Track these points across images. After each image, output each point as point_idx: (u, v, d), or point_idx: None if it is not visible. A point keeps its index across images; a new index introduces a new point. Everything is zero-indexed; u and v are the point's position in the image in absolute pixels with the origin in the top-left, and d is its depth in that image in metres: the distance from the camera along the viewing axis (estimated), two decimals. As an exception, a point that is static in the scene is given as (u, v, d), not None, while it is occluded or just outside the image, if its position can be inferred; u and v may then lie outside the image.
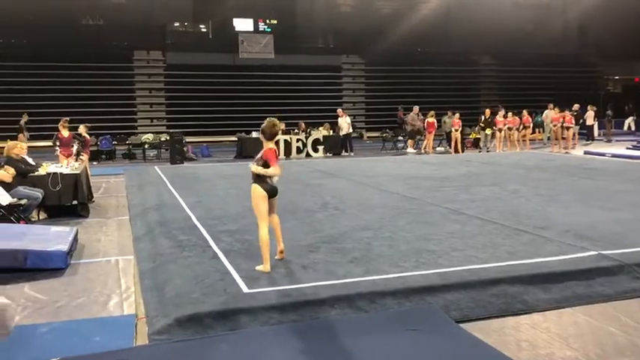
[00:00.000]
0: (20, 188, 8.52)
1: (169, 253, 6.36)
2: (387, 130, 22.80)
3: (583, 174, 12.77)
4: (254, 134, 17.91)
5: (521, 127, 20.87)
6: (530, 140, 21.61)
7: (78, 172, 9.52)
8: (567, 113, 19.54)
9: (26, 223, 8.07)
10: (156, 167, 15.77)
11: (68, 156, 11.17)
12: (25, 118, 20.69)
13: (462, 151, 19.94)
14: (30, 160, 9.70)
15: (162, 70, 27.73)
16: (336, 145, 19.96)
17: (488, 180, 11.91)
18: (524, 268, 5.49)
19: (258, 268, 5.44)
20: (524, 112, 21.18)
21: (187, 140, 19.90)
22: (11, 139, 9.99)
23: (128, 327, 4.58)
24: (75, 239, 6.97)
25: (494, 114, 20.71)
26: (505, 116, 20.39)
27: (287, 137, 19.03)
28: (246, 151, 18.50)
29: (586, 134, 22.53)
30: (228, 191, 10.91)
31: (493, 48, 31.85)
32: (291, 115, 23.05)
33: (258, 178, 5.47)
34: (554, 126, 19.94)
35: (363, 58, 30.67)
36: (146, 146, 19.67)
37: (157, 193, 10.78)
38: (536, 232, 6.87)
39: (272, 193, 5.52)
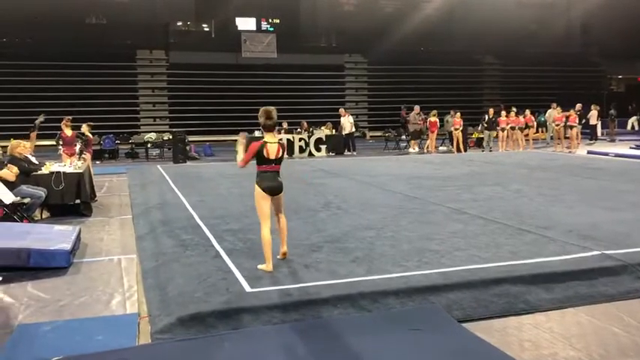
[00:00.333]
0: (23, 187, 8.53)
1: (172, 252, 6.36)
2: (390, 130, 22.79)
3: (586, 174, 12.74)
4: (257, 133, 17.91)
5: (525, 126, 20.84)
6: (532, 140, 21.58)
7: (81, 171, 9.54)
8: (572, 112, 19.49)
9: (29, 221, 8.09)
10: (158, 166, 15.78)
11: (71, 155, 11.19)
12: (41, 118, 20.66)
13: (465, 151, 19.92)
14: (33, 159, 9.73)
15: (165, 69, 27.76)
16: (339, 145, 19.96)
17: (491, 179, 11.89)
18: (526, 267, 5.48)
19: (260, 267, 5.45)
20: (527, 111, 21.15)
21: (190, 139, 19.91)
22: (15, 138, 9.99)
23: (131, 326, 4.59)
24: (78, 238, 6.98)
25: (497, 113, 20.68)
26: (508, 115, 20.36)
27: (290, 136, 19.03)
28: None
29: (589, 134, 22.48)
30: (231, 190, 10.91)
31: (496, 47, 31.81)
32: (293, 115, 23.05)
33: (256, 177, 5.44)
34: (557, 125, 19.90)
35: (365, 57, 30.66)
36: (149, 145, 19.69)
37: (159, 192, 10.79)
38: (539, 232, 6.86)
39: (270, 190, 5.42)
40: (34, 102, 23.91)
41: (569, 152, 18.90)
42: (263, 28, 29.05)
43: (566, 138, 19.97)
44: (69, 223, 8.16)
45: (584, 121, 20.83)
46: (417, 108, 20.75)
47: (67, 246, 6.34)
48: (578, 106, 20.15)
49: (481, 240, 6.55)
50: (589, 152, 18.56)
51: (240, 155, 5.53)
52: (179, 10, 28.71)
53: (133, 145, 19.97)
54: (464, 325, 4.49)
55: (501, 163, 15.47)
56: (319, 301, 4.75)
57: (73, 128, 11.78)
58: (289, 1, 30.01)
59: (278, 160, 5.48)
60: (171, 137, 19.03)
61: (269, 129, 5.45)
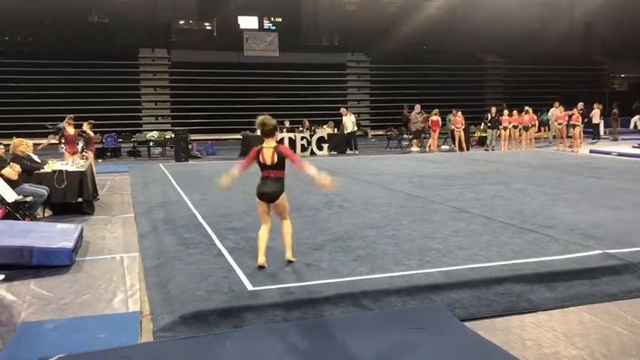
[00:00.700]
0: (26, 185, 8.55)
1: (174, 251, 6.37)
2: (392, 129, 22.77)
3: (589, 173, 12.72)
4: (258, 132, 17.86)
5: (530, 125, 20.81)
6: (535, 139, 21.53)
7: (83, 169, 9.55)
8: (575, 111, 19.44)
9: (32, 220, 8.11)
10: (161, 165, 15.80)
11: (74, 153, 11.21)
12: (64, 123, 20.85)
13: (467, 150, 19.90)
14: (35, 158, 9.75)
15: (167, 67, 27.76)
16: (341, 144, 19.94)
17: (494, 178, 11.88)
18: (529, 266, 5.47)
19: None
20: (530, 110, 21.07)
21: (192, 138, 19.91)
22: (17, 137, 10.00)
23: (133, 324, 4.59)
24: (80, 236, 6.99)
25: (499, 112, 20.66)
26: (510, 114, 20.33)
27: (291, 135, 19.02)
28: (250, 149, 18.50)
29: (592, 133, 22.43)
30: (233, 189, 10.86)
31: (499, 46, 31.75)
32: (295, 113, 23.04)
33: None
34: (560, 124, 19.86)
35: (368, 56, 30.61)
36: (151, 144, 19.69)
37: (161, 191, 10.80)
38: (542, 231, 6.85)
39: (261, 196, 5.45)
40: (36, 101, 23.98)
41: (572, 151, 18.87)
42: (265, 27, 29.02)
43: (568, 137, 19.93)
44: (71, 221, 8.17)
45: (586, 120, 20.77)
46: (417, 107, 20.72)
47: (70, 244, 6.35)
48: (580, 104, 20.09)
49: (483, 239, 6.55)
50: (591, 151, 18.52)
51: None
52: (181, 9, 28.70)
53: (135, 144, 19.98)
54: (466, 324, 4.49)
55: (504, 161, 15.45)
56: (321, 299, 4.76)
57: (76, 127, 11.79)
58: (291, 0, 29.99)
59: (274, 166, 5.40)
60: (173, 136, 19.03)
61: (266, 134, 5.46)
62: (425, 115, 20.86)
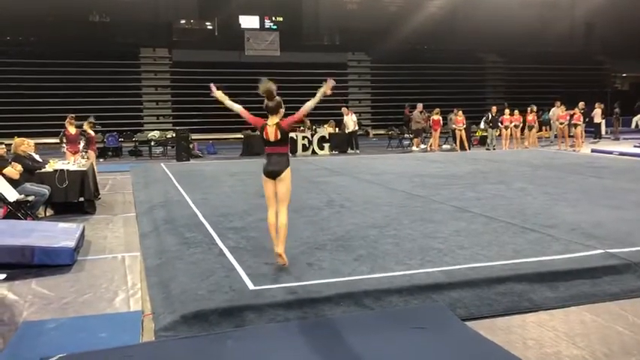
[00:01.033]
0: (27, 185, 8.56)
1: (175, 250, 6.37)
2: (393, 128, 22.76)
3: (590, 172, 12.71)
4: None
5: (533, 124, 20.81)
6: (537, 138, 21.50)
7: (85, 168, 9.56)
8: (577, 111, 19.42)
9: (33, 219, 8.12)
10: (162, 164, 15.81)
11: (75, 153, 11.22)
12: (91, 120, 21.02)
13: (469, 149, 19.89)
14: (37, 157, 9.76)
15: (168, 67, 27.76)
16: (342, 143, 19.94)
17: (495, 178, 11.87)
18: (530, 266, 5.47)
19: None
20: (528, 109, 21.01)
21: (193, 137, 19.93)
22: (18, 136, 10.01)
23: (134, 323, 4.60)
24: (81, 236, 6.99)
25: (500, 112, 20.65)
26: (511, 114, 20.32)
27: (293, 134, 19.02)
28: (251, 148, 18.55)
29: (593, 132, 22.41)
30: (234, 188, 10.93)
31: (500, 46, 31.72)
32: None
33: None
34: (561, 124, 19.83)
35: (369, 55, 30.59)
36: (152, 143, 19.71)
37: (163, 190, 10.80)
38: (543, 231, 6.85)
39: (265, 173, 5.46)
40: (37, 100, 23.99)
41: (573, 151, 18.85)
42: (266, 27, 29.02)
43: (570, 136, 19.91)
44: (73, 220, 8.18)
45: (587, 119, 20.75)
46: (419, 106, 20.72)
47: (71, 244, 6.35)
48: (581, 104, 20.04)
49: (484, 238, 6.55)
50: (593, 151, 18.51)
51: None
52: (182, 9, 28.71)
53: (137, 143, 20.00)
54: (467, 323, 4.49)
55: (505, 161, 15.45)
56: (322, 299, 4.76)
57: (77, 126, 11.81)
58: (292, 0, 29.99)
59: (277, 142, 5.44)
60: (174, 135, 19.05)
61: (271, 111, 5.49)
62: (426, 115, 20.85)
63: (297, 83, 27.86)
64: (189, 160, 17.37)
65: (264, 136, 5.47)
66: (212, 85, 5.79)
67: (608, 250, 5.90)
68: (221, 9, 28.20)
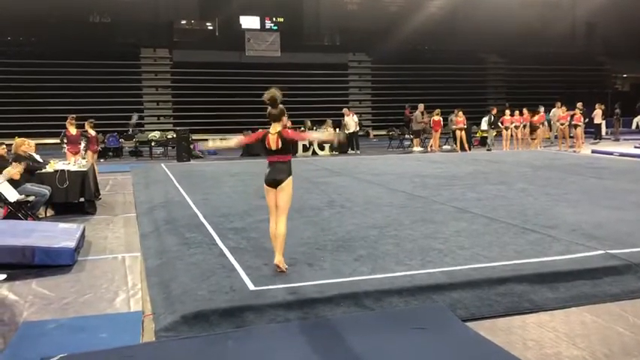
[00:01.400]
0: (28, 185, 8.56)
1: (176, 251, 6.38)
2: (394, 129, 22.75)
3: (590, 173, 12.70)
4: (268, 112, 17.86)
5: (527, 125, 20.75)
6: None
7: (85, 169, 9.57)
8: (577, 111, 19.41)
9: (34, 219, 8.12)
10: (162, 165, 15.82)
11: (76, 153, 11.23)
12: (135, 118, 22.42)
13: (469, 150, 19.88)
14: (38, 157, 9.76)
15: (169, 67, 27.76)
16: (343, 144, 19.91)
17: (495, 178, 11.87)
18: (531, 267, 5.47)
19: None
20: (524, 110, 20.99)
21: (194, 138, 19.93)
22: (19, 137, 10.02)
23: (135, 324, 4.60)
24: (82, 236, 7.00)
25: (500, 112, 20.65)
26: (512, 115, 20.31)
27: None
28: (252, 149, 18.53)
29: (594, 133, 22.40)
30: (235, 189, 10.93)
31: (500, 46, 31.71)
32: (297, 113, 23.03)
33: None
34: (562, 125, 19.81)
35: (369, 56, 30.59)
36: (153, 144, 19.72)
37: (163, 191, 10.81)
38: (544, 231, 6.84)
39: (267, 182, 5.40)
40: (38, 100, 24.00)
41: (574, 151, 18.84)
42: (267, 27, 29.01)
43: (570, 137, 19.90)
44: (73, 221, 8.18)
45: (587, 120, 20.72)
46: (421, 107, 20.72)
47: (72, 244, 6.36)
48: (579, 104, 19.96)
49: (485, 239, 6.55)
50: (593, 151, 18.50)
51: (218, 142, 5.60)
52: (183, 9, 28.71)
53: (137, 144, 20.00)
54: (468, 324, 4.49)
55: (505, 162, 15.44)
56: (323, 299, 4.76)
57: (78, 127, 11.82)
58: (293, 0, 29.98)
59: (279, 151, 5.34)
60: (175, 136, 19.05)
61: (274, 119, 5.38)
62: (426, 116, 20.85)
63: (298, 84, 27.93)
64: (189, 161, 17.38)
65: (266, 145, 5.36)
66: (209, 143, 5.70)
67: (608, 251, 5.90)
68: (222, 9, 28.20)
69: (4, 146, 9.01)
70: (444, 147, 21.19)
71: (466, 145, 19.80)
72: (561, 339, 4.26)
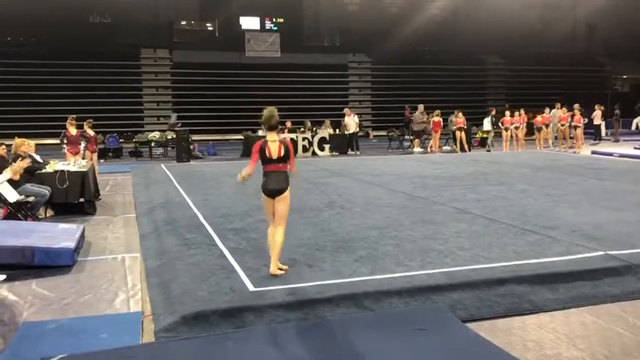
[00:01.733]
0: (27, 185, 8.55)
1: (176, 251, 6.37)
2: (394, 129, 22.77)
3: (590, 174, 12.71)
4: (260, 132, 17.94)
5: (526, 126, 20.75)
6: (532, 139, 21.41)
7: (85, 169, 9.57)
8: (577, 112, 19.40)
9: (33, 220, 8.12)
10: (162, 165, 15.81)
11: (76, 154, 11.23)
12: (174, 118, 22.65)
13: (469, 151, 19.88)
14: (38, 158, 9.76)
15: (169, 68, 27.79)
16: (343, 144, 19.95)
17: (495, 179, 11.87)
18: (530, 267, 5.47)
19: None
20: (522, 110, 20.96)
21: (194, 138, 19.94)
22: (19, 137, 10.01)
23: (135, 324, 4.60)
24: (82, 236, 7.00)
25: (500, 113, 20.64)
26: (512, 115, 20.31)
27: (293, 136, 19.05)
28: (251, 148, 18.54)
29: (593, 134, 22.40)
30: (235, 189, 10.89)
31: (501, 47, 31.74)
32: (297, 114, 23.06)
33: (263, 179, 5.35)
34: (562, 125, 19.80)
35: (369, 56, 30.62)
36: (153, 144, 19.71)
37: (163, 191, 10.81)
38: (544, 232, 6.84)
39: (268, 193, 5.30)
40: (38, 101, 24.02)
41: (574, 152, 18.84)
42: (267, 28, 29.04)
43: (570, 138, 19.89)
44: (73, 221, 8.18)
45: (586, 120, 20.71)
46: (420, 107, 20.73)
47: (72, 244, 6.35)
48: (577, 105, 19.91)
49: (485, 240, 6.55)
50: (593, 152, 18.50)
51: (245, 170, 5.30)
52: (183, 9, 28.73)
53: (137, 144, 20.00)
54: (467, 325, 4.48)
55: (505, 163, 15.45)
56: (323, 300, 4.76)
57: (78, 127, 11.82)
58: (293, 1, 29.99)
59: (280, 159, 5.27)
60: (174, 136, 19.04)
61: (274, 127, 5.35)
62: (426, 116, 20.85)
63: (298, 84, 27.97)
64: (189, 161, 17.37)
65: (267, 154, 5.24)
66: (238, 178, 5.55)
67: (608, 252, 5.90)
68: (222, 10, 28.22)
69: (4, 146, 8.99)
70: (444, 148, 21.18)
71: (466, 146, 19.80)
72: (561, 340, 4.26)
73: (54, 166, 9.45)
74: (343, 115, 20.66)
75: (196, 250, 6.35)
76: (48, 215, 9.18)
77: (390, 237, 6.77)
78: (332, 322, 4.47)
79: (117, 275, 5.94)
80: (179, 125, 20.71)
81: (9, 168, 7.98)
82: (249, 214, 8.11)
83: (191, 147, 18.52)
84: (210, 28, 29.27)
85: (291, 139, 18.79)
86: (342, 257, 5.90)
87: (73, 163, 10.04)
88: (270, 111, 5.37)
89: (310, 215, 8.15)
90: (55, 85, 24.50)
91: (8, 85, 23.89)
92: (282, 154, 5.28)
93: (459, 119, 19.70)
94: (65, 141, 11.68)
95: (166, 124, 26.28)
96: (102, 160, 17.36)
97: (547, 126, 20.38)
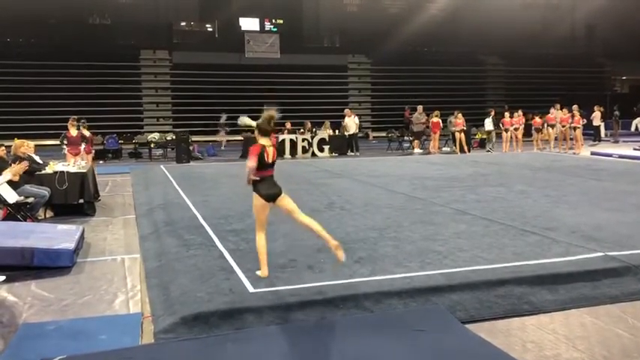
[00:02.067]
0: (27, 186, 8.55)
1: (175, 252, 6.37)
2: (393, 130, 22.78)
3: (590, 175, 12.71)
4: (257, 132, 17.88)
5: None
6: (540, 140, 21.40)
7: (84, 170, 9.57)
8: (576, 113, 19.40)
9: (33, 221, 8.11)
10: (162, 166, 15.81)
11: (76, 155, 11.23)
12: (224, 118, 23.44)
13: (469, 151, 19.89)
14: (37, 159, 9.76)
15: (168, 69, 27.79)
16: (342, 145, 19.95)
17: (495, 180, 11.88)
18: (530, 268, 5.47)
19: (258, 273, 5.32)
20: (520, 111, 20.95)
21: (193, 139, 19.93)
22: (18, 138, 10.01)
23: (134, 325, 4.60)
24: (81, 237, 7.00)
25: (499, 114, 20.65)
26: (511, 116, 20.32)
27: (293, 137, 19.06)
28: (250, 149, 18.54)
29: (593, 135, 22.42)
30: (234, 190, 10.91)
31: (500, 48, 31.77)
32: (297, 115, 23.05)
33: (254, 185, 5.19)
34: (563, 127, 19.80)
35: (369, 57, 30.63)
36: (152, 145, 19.71)
37: (162, 192, 10.80)
38: (543, 233, 6.84)
39: (269, 197, 5.19)
40: (37, 102, 24.03)
41: (573, 153, 18.85)
42: (266, 29, 29.05)
43: (570, 139, 19.90)
44: (72, 222, 8.17)
45: (585, 121, 20.71)
46: (419, 108, 20.74)
47: (71, 245, 6.35)
48: (575, 107, 19.88)
49: (484, 241, 6.55)
50: (592, 153, 18.51)
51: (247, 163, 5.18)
52: (183, 11, 28.75)
53: (137, 145, 20.00)
54: (467, 326, 4.48)
55: (505, 163, 15.45)
56: (322, 301, 4.75)
57: (78, 128, 11.83)
58: (293, 2, 30.00)
59: (274, 164, 5.28)
60: (174, 137, 19.05)
61: (269, 133, 5.27)
62: (425, 117, 20.87)
63: (298, 85, 27.98)
64: (189, 162, 17.37)
65: (265, 159, 5.17)
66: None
67: (608, 253, 5.90)
68: (221, 11, 28.24)
69: (4, 147, 8.99)
70: (444, 149, 21.19)
71: (465, 147, 19.81)
72: (561, 341, 4.26)
73: (53, 167, 9.45)
74: (343, 116, 20.67)
75: (196, 251, 6.35)
76: (47, 216, 9.18)
77: (389, 238, 6.77)
78: (332, 323, 4.47)
79: (116, 276, 5.94)
80: (227, 125, 21.46)
81: (9, 169, 7.98)
82: (248, 215, 8.06)
83: (190, 148, 18.52)
84: (210, 29, 29.30)
85: (291, 140, 18.85)
86: (341, 258, 5.89)
87: (72, 164, 10.04)
88: (271, 115, 5.29)
89: (310, 216, 8.12)
90: (54, 86, 24.49)
91: (8, 86, 23.87)
92: (275, 157, 5.30)
93: (458, 120, 19.71)
94: (65, 142, 11.68)
95: (166, 124, 26.36)
96: (101, 162, 17.37)
97: (552, 127, 20.22)
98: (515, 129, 20.27)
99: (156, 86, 27.57)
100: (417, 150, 20.34)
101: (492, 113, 20.82)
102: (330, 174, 13.53)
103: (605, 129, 24.53)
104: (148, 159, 19.09)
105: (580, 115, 19.42)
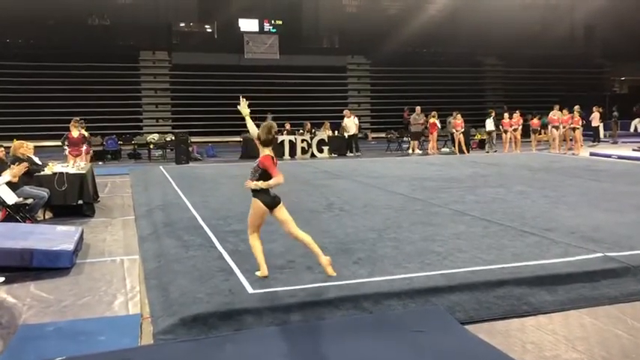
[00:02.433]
0: (26, 188, 8.55)
1: (174, 253, 6.37)
2: (392, 131, 22.79)
3: (589, 175, 12.72)
4: (259, 140, 17.90)
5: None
6: (538, 141, 21.42)
7: (84, 171, 9.56)
8: (576, 114, 19.41)
9: (32, 222, 8.11)
10: (161, 167, 15.80)
11: (77, 156, 11.23)
12: (269, 118, 22.24)
13: (468, 152, 19.89)
14: (36, 160, 9.75)
15: (167, 70, 27.79)
16: (342, 146, 19.95)
17: (494, 181, 11.88)
18: (529, 269, 5.47)
19: (257, 273, 5.32)
20: (517, 112, 20.95)
21: (192, 140, 19.92)
22: (18, 139, 10.01)
23: (133, 326, 4.59)
24: (80, 239, 6.99)
25: (499, 115, 20.66)
26: (511, 117, 20.33)
27: (292, 137, 19.05)
28: (251, 151, 18.55)
29: (592, 135, 22.43)
30: (234, 191, 10.91)
31: (499, 49, 31.79)
32: (296, 116, 23.05)
33: (256, 191, 5.20)
34: (563, 127, 19.80)
35: (368, 58, 30.65)
36: (151, 146, 19.69)
37: (162, 193, 10.80)
38: (542, 234, 6.85)
39: (272, 205, 5.20)
40: (36, 103, 24.01)
41: (572, 154, 18.86)
42: (265, 30, 29.05)
43: (570, 140, 19.91)
44: (72, 223, 8.17)
45: (584, 122, 20.72)
46: (418, 109, 20.74)
47: (70, 246, 6.35)
48: (576, 107, 19.88)
49: (484, 242, 6.55)
50: (591, 154, 18.52)
51: (276, 179, 5.12)
52: (182, 11, 28.75)
53: (136, 146, 19.98)
54: (466, 326, 4.49)
55: (504, 164, 15.46)
56: (322, 302, 4.76)
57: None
58: (292, 3, 30.01)
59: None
60: (173, 138, 19.03)
61: (268, 144, 5.25)
62: (424, 118, 20.88)
63: (297, 86, 27.99)
64: (188, 163, 17.36)
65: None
66: (243, 100, 5.49)
67: (607, 254, 5.90)
68: (220, 12, 28.24)
69: (3, 149, 9.00)
70: (443, 150, 21.19)
71: (464, 148, 19.81)
72: (560, 342, 4.26)
73: (53, 168, 9.45)
74: (342, 117, 20.67)
75: (195, 252, 6.35)
76: (46, 217, 9.17)
77: (388, 239, 6.77)
78: (331, 324, 4.47)
79: (115, 277, 5.93)
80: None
81: (8, 171, 7.98)
82: (247, 216, 8.09)
83: (190, 149, 18.51)
84: (209, 30, 29.30)
85: (290, 141, 18.85)
86: (341, 259, 5.89)
87: (72, 165, 10.03)
88: (271, 125, 5.28)
89: (309, 217, 8.14)
90: (53, 87, 24.48)
91: (7, 87, 23.85)
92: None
93: (457, 121, 19.72)
94: (66, 143, 11.68)
95: (165, 125, 26.34)
96: (100, 163, 17.36)
97: (556, 128, 20.00)
98: (514, 130, 20.27)
99: (155, 87, 27.57)
100: (416, 151, 20.34)
101: (493, 114, 20.83)
102: (330, 175, 13.53)
103: (604, 130, 24.53)
104: (147, 160, 19.07)
105: (579, 116, 19.42)
